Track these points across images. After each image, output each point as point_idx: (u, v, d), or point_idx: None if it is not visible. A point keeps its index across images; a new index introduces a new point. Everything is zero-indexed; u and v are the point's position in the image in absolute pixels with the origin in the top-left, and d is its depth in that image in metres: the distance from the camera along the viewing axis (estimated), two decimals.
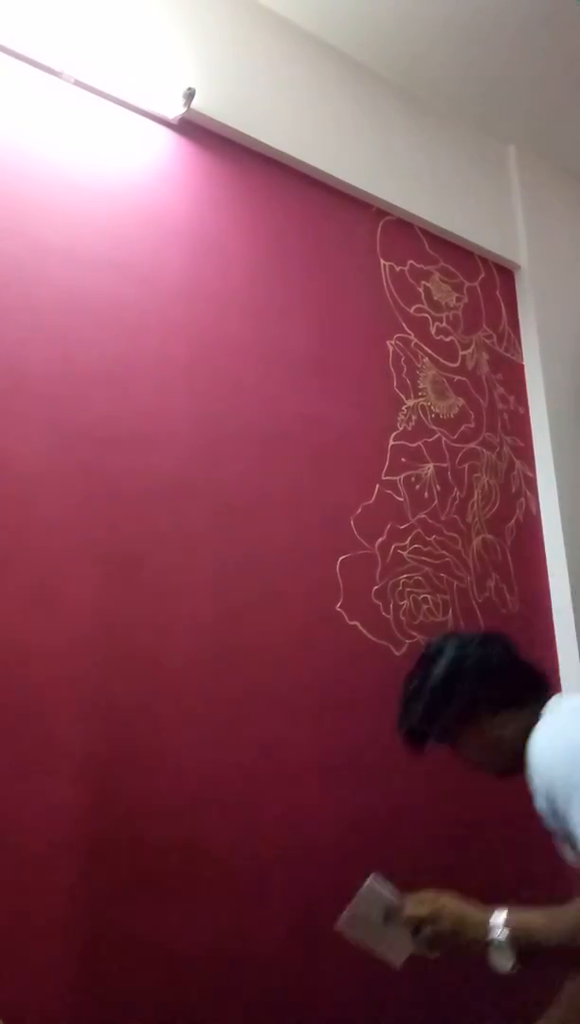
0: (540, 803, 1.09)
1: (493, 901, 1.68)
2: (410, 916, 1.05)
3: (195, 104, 1.64)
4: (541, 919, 1.01)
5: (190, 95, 1.59)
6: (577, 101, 2.25)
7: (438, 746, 1.24)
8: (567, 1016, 1.22)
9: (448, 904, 1.05)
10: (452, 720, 1.19)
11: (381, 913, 1.07)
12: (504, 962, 0.99)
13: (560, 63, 2.12)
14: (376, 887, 1.08)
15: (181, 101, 1.60)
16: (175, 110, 1.62)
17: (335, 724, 1.58)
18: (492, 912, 1.02)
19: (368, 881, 1.08)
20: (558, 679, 2.01)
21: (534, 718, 1.16)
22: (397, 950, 1.07)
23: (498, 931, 1.00)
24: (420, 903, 1.05)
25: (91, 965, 1.20)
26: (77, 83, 1.54)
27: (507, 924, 1.00)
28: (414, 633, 1.76)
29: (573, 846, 1.06)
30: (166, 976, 1.26)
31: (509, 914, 1.01)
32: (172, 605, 1.41)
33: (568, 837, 1.06)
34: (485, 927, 1.01)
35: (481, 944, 1.00)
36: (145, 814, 1.29)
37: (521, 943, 0.99)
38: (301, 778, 1.50)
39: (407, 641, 1.74)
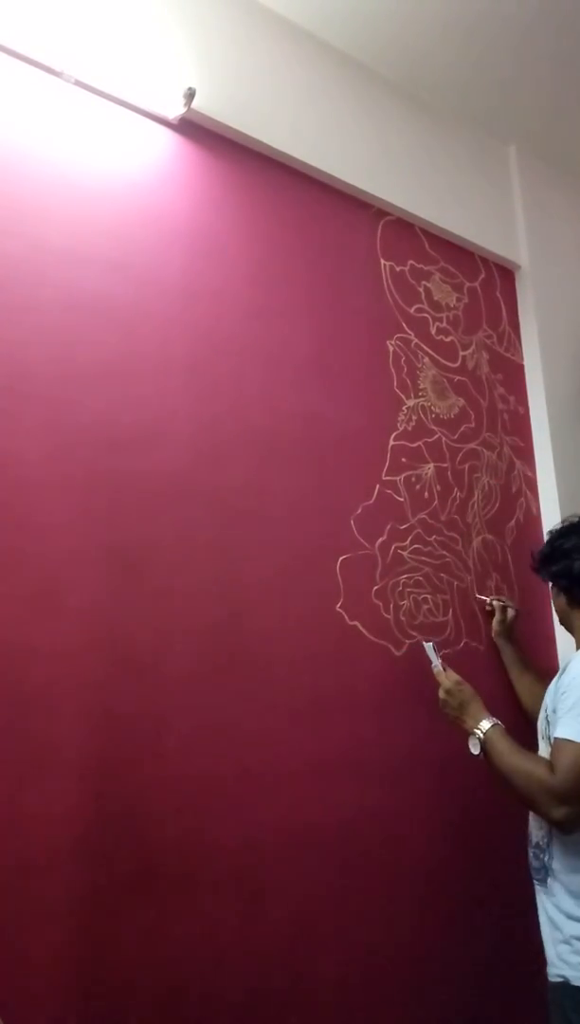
0: (548, 695, 1.49)
1: (494, 900, 1.69)
2: (437, 678, 1.59)
3: (195, 104, 1.64)
4: (508, 748, 1.42)
5: (190, 95, 1.59)
6: (578, 101, 2.25)
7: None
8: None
9: (466, 693, 1.54)
10: (560, 575, 1.58)
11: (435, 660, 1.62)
12: (472, 750, 1.47)
13: (561, 64, 2.11)
14: (428, 647, 1.65)
15: (181, 101, 1.60)
16: (175, 110, 1.62)
17: (335, 724, 1.58)
18: (485, 717, 1.48)
19: (428, 644, 1.65)
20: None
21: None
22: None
23: (479, 732, 1.47)
24: (449, 677, 1.57)
25: (91, 965, 1.20)
26: (77, 83, 1.54)
27: (486, 733, 1.46)
28: (414, 633, 1.76)
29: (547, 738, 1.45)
30: (166, 976, 1.26)
31: (493, 727, 1.46)
32: (172, 605, 1.41)
33: (546, 733, 1.46)
34: (476, 722, 1.48)
35: (466, 729, 1.49)
36: (145, 814, 1.30)
37: (485, 748, 1.45)
38: (301, 778, 1.50)
39: (407, 641, 1.74)
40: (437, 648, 1.65)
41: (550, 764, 1.35)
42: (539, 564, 1.65)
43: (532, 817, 1.50)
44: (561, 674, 1.48)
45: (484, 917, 1.72)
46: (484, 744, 1.45)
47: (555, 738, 1.37)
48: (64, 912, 1.19)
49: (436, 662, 1.61)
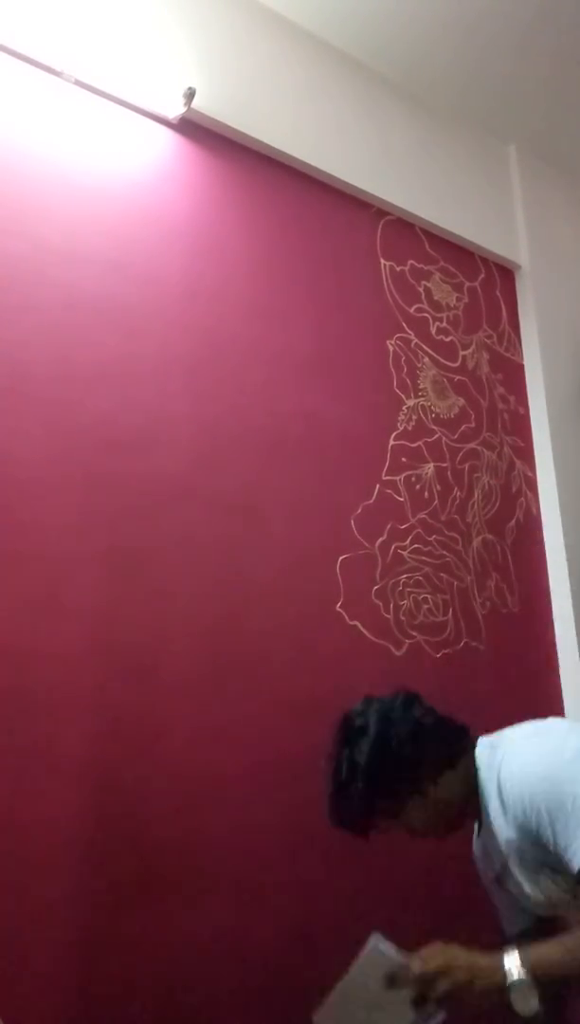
0: (506, 836, 1.06)
1: (490, 902, 1.67)
2: (422, 973, 0.96)
3: (195, 104, 1.64)
4: (556, 949, 0.96)
5: (190, 95, 1.59)
6: (578, 101, 2.25)
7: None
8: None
9: (459, 954, 0.97)
10: (396, 798, 1.13)
11: (381, 979, 0.97)
12: (529, 1003, 0.92)
13: (561, 63, 2.11)
14: (381, 946, 0.99)
15: (181, 101, 1.60)
16: (175, 110, 1.62)
17: (335, 724, 1.58)
18: (502, 954, 0.96)
19: (371, 940, 1.01)
20: (558, 679, 2.01)
21: (471, 767, 1.15)
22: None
23: (516, 972, 0.93)
24: (429, 959, 0.98)
25: (91, 965, 1.20)
26: (77, 83, 1.54)
27: (524, 963, 0.94)
28: (414, 633, 1.76)
29: (562, 868, 1.01)
30: (166, 976, 1.26)
31: (521, 952, 0.95)
32: (173, 606, 1.41)
33: (553, 858, 1.02)
34: (501, 970, 0.94)
35: (499, 989, 0.94)
36: (145, 814, 1.30)
37: (542, 979, 0.93)
38: (301, 778, 1.50)
39: (407, 641, 1.74)
40: (384, 937, 1.05)
41: None
42: (369, 815, 1.16)
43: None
44: (502, 796, 1.08)
45: (485, 916, 1.72)
46: (535, 980, 0.94)
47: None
48: (64, 912, 1.19)
49: (396, 957, 1.02)
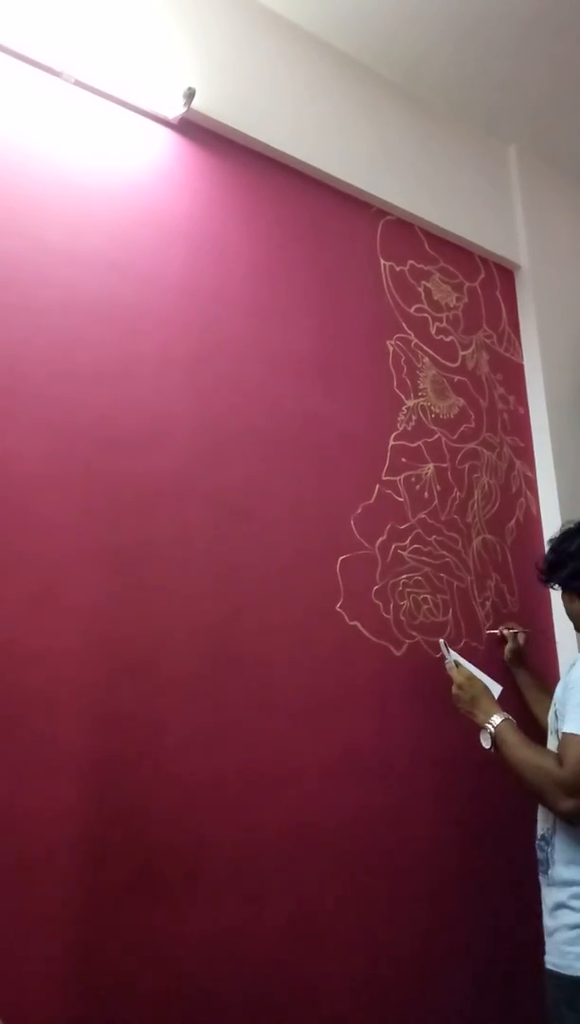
0: (557, 692, 1.49)
1: (495, 899, 1.69)
2: (450, 672, 1.61)
3: (195, 104, 1.64)
4: (518, 742, 1.44)
5: (190, 95, 1.59)
6: (578, 101, 2.25)
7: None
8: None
9: (477, 685, 1.57)
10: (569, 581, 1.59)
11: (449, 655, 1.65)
12: (483, 743, 1.49)
13: (561, 64, 2.12)
14: (442, 644, 1.68)
15: (181, 101, 1.60)
16: (175, 110, 1.62)
17: (335, 724, 1.58)
18: (496, 712, 1.50)
19: (442, 641, 1.69)
20: (545, 682, 2.01)
21: None
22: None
23: (490, 726, 1.48)
24: (461, 673, 1.60)
25: (91, 965, 1.20)
26: (77, 83, 1.54)
27: (497, 727, 1.47)
28: (414, 633, 1.76)
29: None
30: (166, 976, 1.26)
31: (504, 721, 1.48)
32: (172, 605, 1.41)
33: (555, 727, 1.46)
34: (487, 716, 1.50)
35: (478, 723, 1.51)
36: (145, 814, 1.30)
37: (495, 742, 1.46)
38: (301, 778, 1.50)
39: (407, 641, 1.74)
40: (449, 645, 1.67)
41: (558, 757, 1.37)
42: (547, 573, 1.63)
43: (539, 809, 1.50)
44: (569, 670, 1.49)
45: (485, 916, 1.72)
46: (494, 737, 1.47)
47: (563, 732, 1.38)
48: (64, 912, 1.19)
49: (450, 657, 1.64)
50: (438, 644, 1.70)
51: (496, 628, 1.94)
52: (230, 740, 1.42)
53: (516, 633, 1.91)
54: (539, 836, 1.49)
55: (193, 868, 1.33)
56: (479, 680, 1.58)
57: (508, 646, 1.90)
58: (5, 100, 1.45)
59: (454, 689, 1.58)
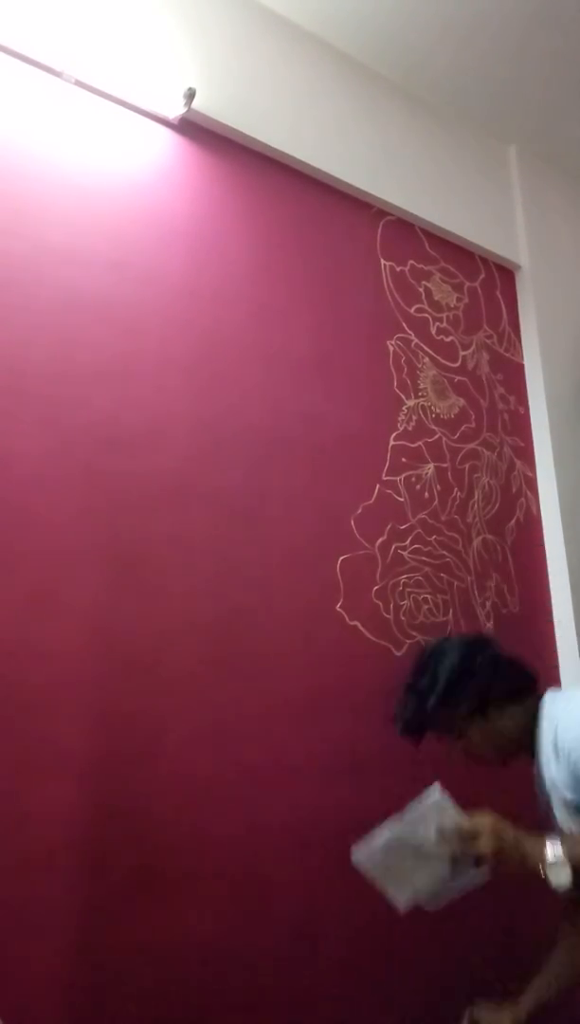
0: (559, 778, 1.21)
1: (494, 898, 1.68)
2: (473, 826, 1.12)
3: (195, 104, 1.64)
4: None
5: (190, 95, 1.59)
6: (578, 102, 2.25)
7: (433, 739, 1.34)
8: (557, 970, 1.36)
9: (508, 827, 1.12)
10: (462, 713, 1.28)
11: (432, 829, 1.09)
12: (562, 878, 1.07)
13: (561, 64, 2.12)
14: (442, 799, 1.12)
15: (181, 101, 1.60)
16: (175, 110, 1.62)
17: (335, 724, 1.58)
18: (545, 840, 1.11)
19: (433, 792, 1.13)
20: (558, 679, 2.01)
21: (534, 709, 1.29)
22: (430, 877, 1.10)
23: (557, 851, 1.09)
24: (481, 818, 1.13)
25: (91, 965, 1.20)
26: (77, 83, 1.54)
27: (564, 847, 1.09)
28: (414, 633, 1.76)
29: None
30: (166, 976, 1.26)
31: (564, 840, 1.11)
32: (172, 605, 1.41)
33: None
34: (544, 847, 1.10)
35: (533, 864, 1.09)
36: (145, 813, 1.29)
37: (575, 865, 1.07)
38: (301, 778, 1.50)
39: (407, 641, 1.74)
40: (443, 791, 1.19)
41: None
42: (432, 721, 1.30)
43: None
44: (553, 743, 1.22)
45: (485, 916, 1.72)
46: (573, 860, 1.09)
47: None
48: (64, 911, 1.19)
49: (450, 806, 1.17)
50: (430, 799, 1.19)
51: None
52: (230, 740, 1.42)
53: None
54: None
55: (193, 868, 1.33)
56: (500, 817, 1.15)
57: None
58: (5, 100, 1.45)
59: (492, 843, 1.10)
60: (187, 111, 1.63)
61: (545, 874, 1.09)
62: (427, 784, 1.68)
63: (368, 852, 1.10)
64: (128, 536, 1.39)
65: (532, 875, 1.09)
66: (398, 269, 2.02)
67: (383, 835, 1.09)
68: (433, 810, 1.12)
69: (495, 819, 1.14)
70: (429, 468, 1.93)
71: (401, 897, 1.11)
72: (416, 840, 1.09)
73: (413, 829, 1.10)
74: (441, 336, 2.07)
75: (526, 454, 2.19)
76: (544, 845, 1.11)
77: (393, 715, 1.33)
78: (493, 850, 1.10)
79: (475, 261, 2.24)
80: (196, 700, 1.40)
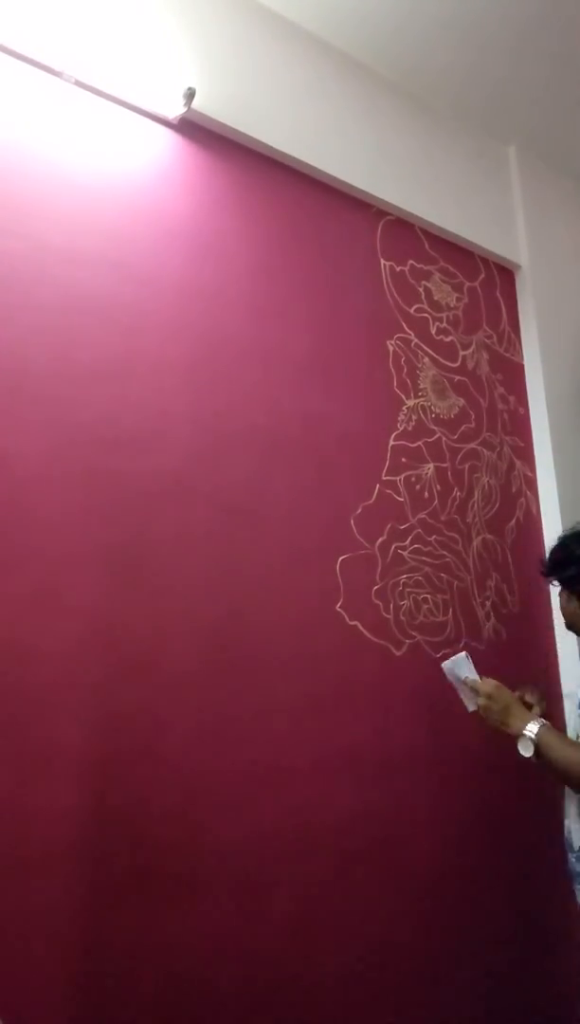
0: None
1: (494, 898, 1.69)
2: (473, 686, 1.52)
3: (195, 104, 1.64)
4: (561, 743, 1.39)
5: (190, 95, 1.59)
6: (577, 102, 2.25)
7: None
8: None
9: (506, 694, 1.49)
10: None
11: (465, 673, 1.56)
12: (524, 752, 1.41)
13: (561, 64, 2.12)
14: (462, 660, 1.57)
15: (181, 101, 1.60)
16: (175, 110, 1.62)
17: (335, 724, 1.58)
18: (532, 718, 1.44)
19: (463, 654, 1.59)
20: (558, 679, 2.02)
21: None
22: (469, 700, 1.55)
23: (529, 734, 1.41)
24: (487, 683, 1.51)
25: (91, 965, 1.20)
26: (77, 83, 1.54)
27: (538, 733, 1.41)
28: (414, 633, 1.76)
29: None
30: (166, 976, 1.26)
31: (542, 727, 1.42)
32: (172, 605, 1.41)
33: None
34: (523, 723, 1.44)
35: (512, 733, 1.44)
36: (145, 814, 1.30)
37: (539, 748, 1.40)
38: (301, 778, 1.50)
39: (407, 641, 1.74)
40: (470, 658, 1.58)
41: None
42: (551, 568, 1.62)
43: (575, 821, 1.47)
44: None
45: (486, 915, 1.72)
46: (538, 744, 1.40)
47: None
48: (64, 910, 1.19)
49: (473, 675, 1.55)
50: (457, 662, 1.58)
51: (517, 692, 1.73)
52: (230, 739, 1.42)
53: (540, 698, 1.70)
54: (576, 848, 1.46)
55: (193, 867, 1.33)
56: (506, 689, 1.50)
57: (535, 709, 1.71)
58: (5, 100, 1.45)
59: (482, 701, 1.50)
60: (187, 111, 1.63)
61: (517, 742, 1.42)
62: (427, 785, 1.69)
63: (446, 669, 1.58)
64: (128, 536, 1.39)
65: (507, 738, 1.45)
66: (398, 269, 2.02)
67: (447, 663, 1.58)
68: (464, 660, 1.57)
69: (495, 687, 1.50)
70: (429, 468, 1.93)
71: (466, 703, 1.55)
72: (458, 675, 1.56)
73: (458, 667, 1.57)
74: (441, 336, 2.07)
75: (526, 454, 2.19)
76: (528, 720, 1.43)
77: (542, 559, 1.67)
78: (481, 709, 1.50)
79: (475, 261, 2.24)
80: (196, 700, 1.40)
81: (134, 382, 1.47)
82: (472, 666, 1.56)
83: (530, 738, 1.41)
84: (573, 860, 1.48)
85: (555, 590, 2.07)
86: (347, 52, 2.03)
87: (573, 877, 1.47)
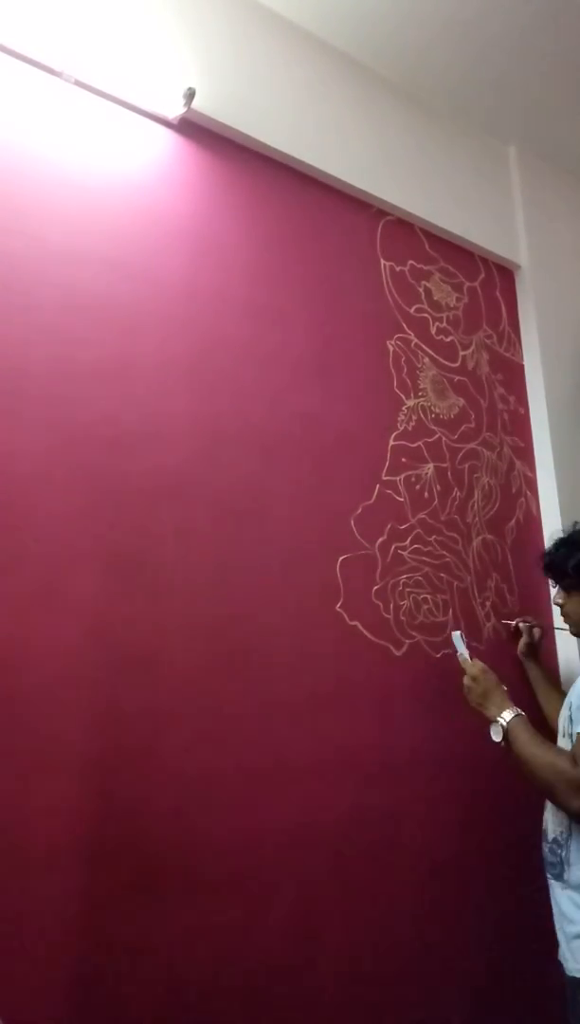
0: (571, 695, 1.50)
1: (494, 899, 1.69)
2: (463, 665, 1.62)
3: (195, 104, 1.64)
4: (530, 739, 1.43)
5: (190, 95, 1.59)
6: (577, 101, 2.25)
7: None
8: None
9: (490, 679, 1.56)
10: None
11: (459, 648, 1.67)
12: (494, 737, 1.49)
13: (561, 63, 2.12)
14: (456, 637, 1.69)
15: (181, 101, 1.60)
16: (175, 110, 1.62)
17: (335, 724, 1.58)
18: (509, 707, 1.50)
19: (456, 634, 1.69)
20: (558, 679, 2.01)
21: None
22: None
23: (502, 721, 1.48)
24: (474, 665, 1.60)
25: (91, 965, 1.20)
26: (77, 83, 1.54)
27: (509, 722, 1.47)
28: (414, 633, 1.76)
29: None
30: (166, 976, 1.26)
31: (516, 717, 1.48)
32: (172, 605, 1.41)
33: (568, 730, 1.49)
34: (499, 710, 1.50)
35: (488, 717, 1.52)
36: (145, 814, 1.30)
37: (508, 737, 1.46)
38: (301, 778, 1.50)
39: (407, 641, 1.74)
40: (464, 638, 1.69)
41: (572, 757, 1.37)
42: (549, 568, 1.67)
43: (551, 812, 1.51)
44: None
45: (485, 915, 1.72)
46: (507, 733, 1.46)
47: (578, 733, 1.40)
48: (64, 910, 1.19)
49: (463, 651, 1.65)
50: (451, 637, 1.71)
51: (512, 619, 1.96)
52: (230, 739, 1.42)
53: (532, 627, 1.94)
54: (550, 839, 1.49)
55: (193, 866, 1.33)
56: (492, 674, 1.57)
57: (523, 639, 1.92)
58: (5, 100, 1.45)
59: (466, 681, 1.58)
60: (187, 111, 1.63)
61: (490, 727, 1.50)
62: (427, 785, 1.69)
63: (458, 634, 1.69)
64: (127, 535, 1.39)
65: (483, 720, 1.53)
66: (398, 269, 2.02)
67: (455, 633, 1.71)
68: (456, 638, 1.68)
69: (480, 671, 1.58)
70: (429, 468, 1.93)
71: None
72: (458, 647, 1.67)
73: (456, 641, 1.69)
74: (441, 336, 2.07)
75: (526, 454, 2.19)
76: (504, 709, 1.50)
77: (542, 555, 1.72)
78: (464, 688, 1.58)
79: (475, 261, 2.24)
80: (195, 700, 1.40)
81: (134, 381, 1.47)
82: (464, 644, 1.67)
83: (501, 725, 1.48)
84: (547, 850, 1.50)
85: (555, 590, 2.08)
86: (347, 52, 2.03)
87: (546, 867, 1.49)
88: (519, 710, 1.50)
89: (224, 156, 1.75)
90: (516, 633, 1.94)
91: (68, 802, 1.22)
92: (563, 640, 2.05)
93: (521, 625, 1.94)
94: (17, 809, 1.18)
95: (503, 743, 1.48)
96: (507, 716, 1.48)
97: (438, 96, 2.20)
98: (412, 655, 1.74)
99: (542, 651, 1.94)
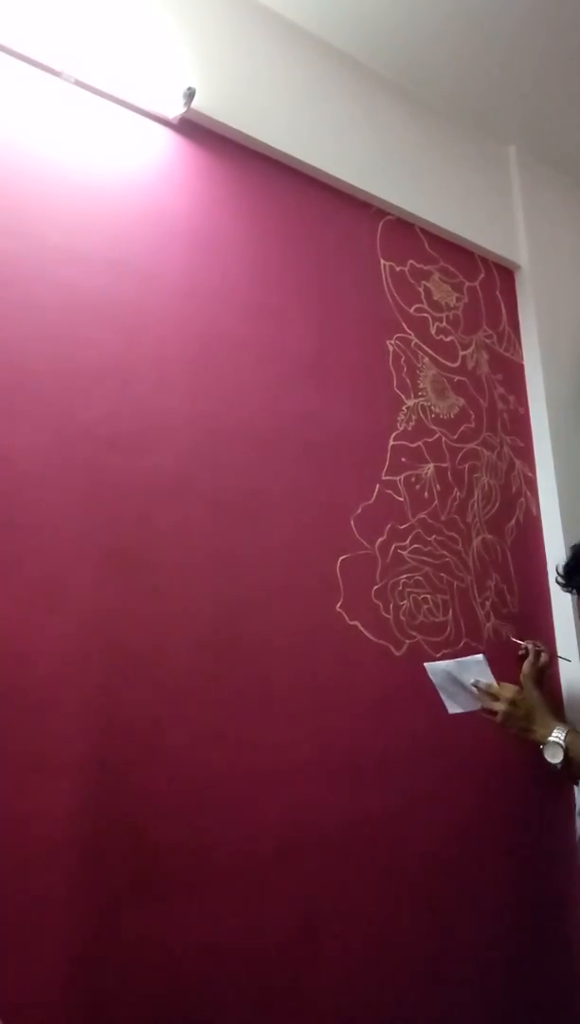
0: None
1: (494, 899, 1.68)
2: (489, 692, 1.48)
3: (195, 104, 1.64)
4: None
5: (190, 95, 1.59)
6: (577, 101, 2.25)
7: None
8: None
9: (529, 698, 1.48)
10: None
11: (473, 677, 1.53)
12: (551, 759, 1.37)
13: (561, 63, 2.12)
14: (484, 666, 1.53)
15: (181, 101, 1.60)
16: (175, 110, 1.62)
17: (335, 724, 1.58)
18: (557, 724, 1.41)
19: (481, 657, 1.55)
20: (558, 680, 2.01)
21: None
22: (461, 703, 1.54)
23: (557, 740, 1.39)
24: (507, 688, 1.49)
25: (91, 965, 1.20)
26: (77, 83, 1.54)
27: (567, 741, 1.37)
28: (414, 633, 1.76)
29: None
30: (166, 976, 1.26)
31: (570, 733, 1.39)
32: (172, 604, 1.41)
33: None
34: (549, 730, 1.41)
35: (536, 740, 1.41)
36: (145, 814, 1.29)
37: (569, 754, 1.35)
38: (301, 778, 1.50)
39: (407, 641, 1.74)
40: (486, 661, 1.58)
41: None
42: (567, 576, 1.64)
43: None
44: None
45: (485, 916, 1.72)
46: (567, 751, 1.37)
47: None
48: (64, 912, 1.19)
49: (490, 678, 1.55)
50: (459, 660, 1.58)
51: (522, 639, 1.92)
52: (230, 740, 1.42)
53: (540, 652, 1.85)
54: None
55: (193, 868, 1.33)
56: (528, 691, 1.50)
57: (529, 660, 1.83)
58: (5, 100, 1.45)
59: (504, 708, 1.47)
60: (186, 111, 1.63)
61: (543, 749, 1.39)
62: (427, 785, 1.68)
63: (434, 668, 1.56)
64: (127, 534, 1.39)
65: (532, 745, 1.42)
66: (398, 269, 2.02)
67: (446, 663, 1.55)
68: (478, 664, 1.53)
69: (517, 692, 1.48)
70: (429, 468, 1.93)
71: (448, 704, 1.55)
72: (463, 678, 1.52)
73: (464, 669, 1.53)
74: (441, 336, 2.07)
75: (526, 454, 2.19)
76: (553, 727, 1.39)
77: (565, 565, 1.66)
78: (502, 716, 1.46)
79: (475, 261, 2.24)
80: (195, 700, 1.40)
81: (133, 381, 1.47)
82: (488, 670, 1.54)
83: (558, 744, 1.36)
84: None
85: (556, 594, 2.08)
86: (347, 52, 2.03)
87: None
88: (566, 724, 1.41)
89: (224, 156, 1.75)
90: (522, 656, 1.88)
91: (68, 803, 1.22)
92: (563, 640, 2.05)
93: (529, 648, 1.85)
94: (17, 810, 1.17)
95: (559, 764, 1.37)
96: (559, 735, 1.38)
97: (438, 96, 2.21)
98: (412, 655, 1.74)
99: (546, 678, 1.87)
